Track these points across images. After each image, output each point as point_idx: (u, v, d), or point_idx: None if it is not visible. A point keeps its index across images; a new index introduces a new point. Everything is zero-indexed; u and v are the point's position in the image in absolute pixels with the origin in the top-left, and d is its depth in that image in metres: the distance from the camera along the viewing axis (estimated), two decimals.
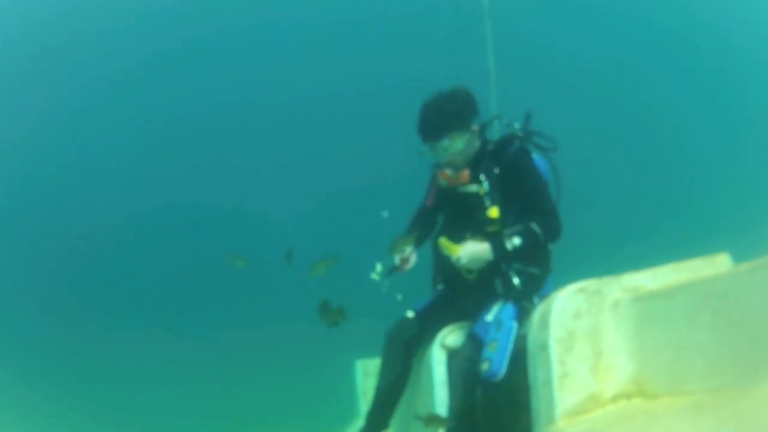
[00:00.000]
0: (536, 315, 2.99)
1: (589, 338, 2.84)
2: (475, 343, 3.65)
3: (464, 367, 3.68)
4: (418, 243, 4.13)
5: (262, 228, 13.32)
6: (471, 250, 3.70)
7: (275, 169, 14.67)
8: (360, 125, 13.81)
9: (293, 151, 14.46)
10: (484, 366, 3.46)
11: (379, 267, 3.92)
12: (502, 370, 3.40)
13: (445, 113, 3.82)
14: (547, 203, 3.81)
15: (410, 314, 4.04)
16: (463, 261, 3.71)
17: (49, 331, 12.63)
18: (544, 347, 2.81)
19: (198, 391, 11.05)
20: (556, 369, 2.76)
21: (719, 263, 3.47)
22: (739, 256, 3.21)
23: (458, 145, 3.83)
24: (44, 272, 13.59)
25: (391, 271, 3.95)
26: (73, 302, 13.35)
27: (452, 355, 3.85)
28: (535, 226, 3.68)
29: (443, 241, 3.79)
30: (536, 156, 3.97)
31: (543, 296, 3.61)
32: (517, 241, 3.66)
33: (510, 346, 3.47)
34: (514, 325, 3.57)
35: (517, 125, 4.04)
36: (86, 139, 14.72)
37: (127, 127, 14.80)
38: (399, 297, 4.00)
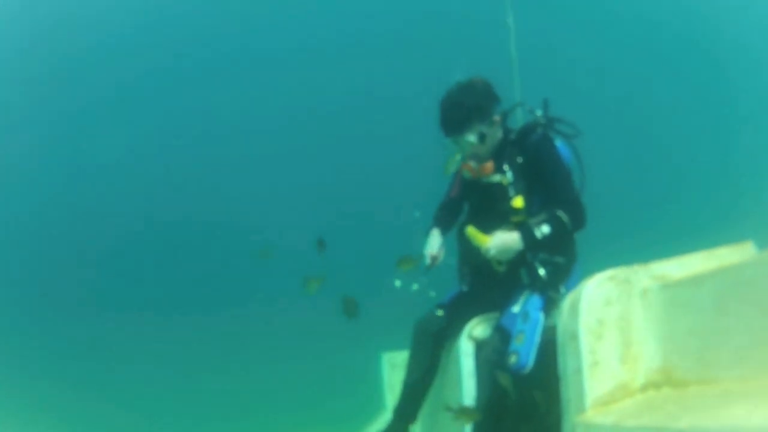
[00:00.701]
0: (566, 303, 2.99)
1: (618, 326, 2.85)
2: (501, 335, 3.66)
3: (491, 359, 3.70)
4: (444, 233, 4.16)
5: (276, 227, 13.34)
6: (500, 241, 3.68)
7: (298, 167, 14.69)
8: (378, 123, 13.79)
9: (320, 148, 14.47)
10: (512, 359, 3.46)
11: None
12: (530, 362, 3.41)
13: (465, 106, 3.83)
14: (572, 191, 3.79)
15: (440, 312, 4.04)
16: (493, 252, 3.70)
17: (61, 329, 12.75)
18: (574, 336, 2.82)
19: (221, 385, 11.10)
20: (586, 358, 2.77)
21: (744, 251, 3.48)
22: (762, 244, 3.22)
23: (476, 137, 3.83)
24: (50, 272, 13.71)
25: (426, 271, 3.99)
26: (94, 303, 13.40)
27: (480, 346, 3.87)
28: (561, 214, 3.67)
29: (471, 231, 3.77)
30: (559, 143, 3.95)
31: (570, 286, 3.60)
32: (546, 229, 3.64)
33: (537, 339, 3.47)
34: (541, 316, 3.56)
35: (539, 112, 4.01)
36: (96, 142, 14.80)
37: (145, 131, 14.89)
38: (432, 294, 4.04)
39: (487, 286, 4.01)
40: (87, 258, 13.98)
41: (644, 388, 2.84)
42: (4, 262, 13.50)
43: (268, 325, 11.93)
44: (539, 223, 3.68)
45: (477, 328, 3.91)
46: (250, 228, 13.29)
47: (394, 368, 5.45)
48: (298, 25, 15.19)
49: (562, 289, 3.72)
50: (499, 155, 3.90)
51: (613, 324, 2.84)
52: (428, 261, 4.01)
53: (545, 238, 3.66)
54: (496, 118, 3.91)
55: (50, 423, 9.96)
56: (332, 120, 14.40)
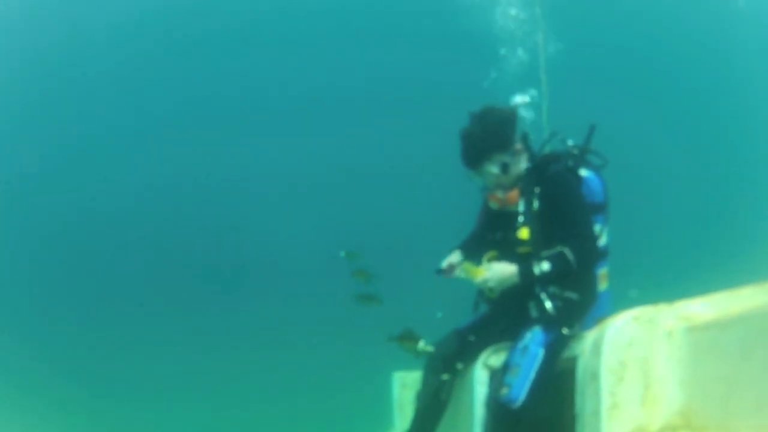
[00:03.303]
0: (588, 342, 2.94)
1: (640, 368, 2.79)
2: (505, 370, 3.60)
3: (491, 395, 3.68)
4: (465, 256, 4.07)
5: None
6: (498, 274, 3.65)
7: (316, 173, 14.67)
8: (405, 137, 13.75)
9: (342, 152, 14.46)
10: (503, 391, 3.39)
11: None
12: (521, 396, 3.32)
13: (481, 139, 3.77)
14: (584, 227, 3.67)
15: (471, 338, 3.97)
16: (491, 284, 3.66)
17: (74, 327, 12.78)
18: (595, 376, 2.77)
19: (235, 405, 11.05)
20: (605, 400, 2.71)
21: None
22: None
23: (499, 168, 3.77)
24: (63, 271, 13.77)
25: (438, 272, 3.94)
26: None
27: (494, 375, 3.81)
28: (567, 251, 3.54)
29: (466, 266, 3.75)
30: (590, 175, 3.86)
31: (588, 323, 3.50)
32: (546, 266, 3.55)
33: (532, 374, 3.37)
34: (540, 352, 3.44)
35: (570, 142, 3.95)
36: (106, 141, 14.89)
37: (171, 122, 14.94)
38: (439, 315, 3.98)
39: (501, 315, 3.95)
40: (103, 257, 14.04)
41: (662, 430, 2.78)
42: (18, 264, 13.60)
43: (281, 337, 11.90)
44: (541, 259, 3.58)
45: (493, 357, 3.84)
46: (264, 233, 13.30)
47: (404, 388, 5.41)
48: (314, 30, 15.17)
49: (577, 327, 3.56)
50: (521, 183, 3.84)
51: (635, 365, 2.78)
52: (444, 265, 3.92)
53: (544, 275, 3.56)
54: (518, 146, 3.84)
55: (61, 419, 10.01)
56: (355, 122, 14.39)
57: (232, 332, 12.33)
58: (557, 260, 3.56)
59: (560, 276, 3.60)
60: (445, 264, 3.94)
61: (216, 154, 14.70)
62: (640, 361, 2.80)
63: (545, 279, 3.59)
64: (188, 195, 14.56)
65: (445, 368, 3.94)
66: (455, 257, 3.99)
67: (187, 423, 10.33)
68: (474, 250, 4.03)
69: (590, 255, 3.65)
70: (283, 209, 13.89)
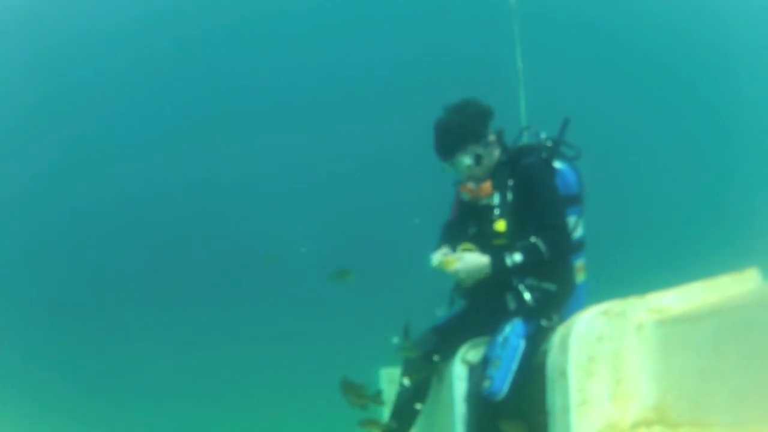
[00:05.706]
0: (556, 338, 2.91)
1: (611, 363, 2.76)
2: (484, 364, 3.57)
3: (472, 389, 3.65)
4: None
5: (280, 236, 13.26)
6: (470, 264, 3.62)
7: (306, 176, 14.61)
8: (382, 128, 13.66)
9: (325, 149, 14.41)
10: (486, 383, 3.39)
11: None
12: (504, 389, 3.32)
13: (455, 131, 3.76)
14: (556, 218, 3.65)
15: (436, 358, 3.92)
16: (462, 276, 3.64)
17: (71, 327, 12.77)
18: (563, 373, 2.74)
19: (215, 402, 11.02)
20: (574, 397, 2.68)
21: (748, 279, 3.38)
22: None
23: (472, 159, 3.76)
24: (56, 275, 13.75)
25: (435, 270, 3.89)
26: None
27: (472, 371, 3.78)
28: (539, 242, 3.52)
29: (442, 258, 3.72)
30: (564, 167, 3.83)
31: (566, 315, 3.49)
32: (518, 257, 3.52)
33: (514, 366, 3.37)
34: (521, 343, 3.44)
35: (543, 135, 3.91)
36: (107, 141, 14.85)
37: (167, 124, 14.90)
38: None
39: (478, 309, 3.91)
40: (96, 258, 14.02)
41: (635, 425, 2.76)
42: (15, 262, 13.58)
43: (268, 333, 11.86)
44: (513, 250, 3.56)
45: (471, 352, 3.81)
46: (257, 231, 13.25)
47: (392, 384, 5.38)
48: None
49: (555, 318, 3.57)
50: (493, 176, 3.81)
51: (605, 361, 2.75)
52: (435, 262, 3.80)
53: (516, 266, 3.54)
54: (491, 138, 3.82)
55: (58, 421, 10.00)
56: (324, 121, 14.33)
57: (226, 333, 12.30)
58: (529, 251, 3.54)
59: (532, 266, 3.57)
60: (435, 261, 3.88)
61: (210, 152, 14.62)
62: (611, 356, 2.77)
63: (517, 270, 3.57)
64: (183, 193, 14.49)
65: (424, 365, 3.92)
66: (446, 249, 3.91)
67: (184, 423, 10.34)
68: (454, 244, 4.01)
69: (562, 245, 3.63)
70: (278, 207, 13.83)
